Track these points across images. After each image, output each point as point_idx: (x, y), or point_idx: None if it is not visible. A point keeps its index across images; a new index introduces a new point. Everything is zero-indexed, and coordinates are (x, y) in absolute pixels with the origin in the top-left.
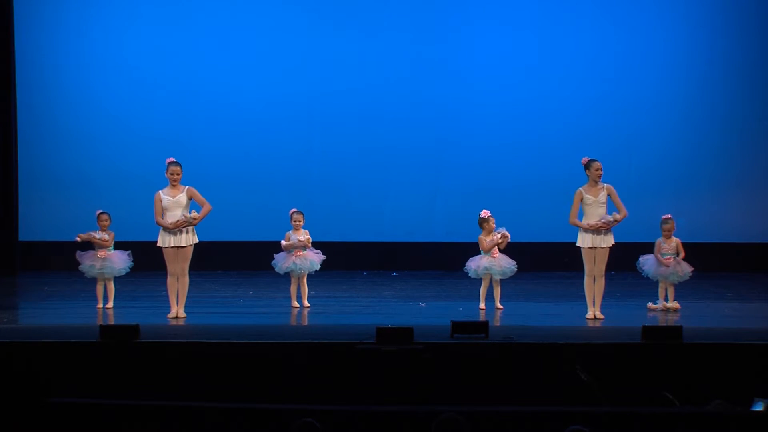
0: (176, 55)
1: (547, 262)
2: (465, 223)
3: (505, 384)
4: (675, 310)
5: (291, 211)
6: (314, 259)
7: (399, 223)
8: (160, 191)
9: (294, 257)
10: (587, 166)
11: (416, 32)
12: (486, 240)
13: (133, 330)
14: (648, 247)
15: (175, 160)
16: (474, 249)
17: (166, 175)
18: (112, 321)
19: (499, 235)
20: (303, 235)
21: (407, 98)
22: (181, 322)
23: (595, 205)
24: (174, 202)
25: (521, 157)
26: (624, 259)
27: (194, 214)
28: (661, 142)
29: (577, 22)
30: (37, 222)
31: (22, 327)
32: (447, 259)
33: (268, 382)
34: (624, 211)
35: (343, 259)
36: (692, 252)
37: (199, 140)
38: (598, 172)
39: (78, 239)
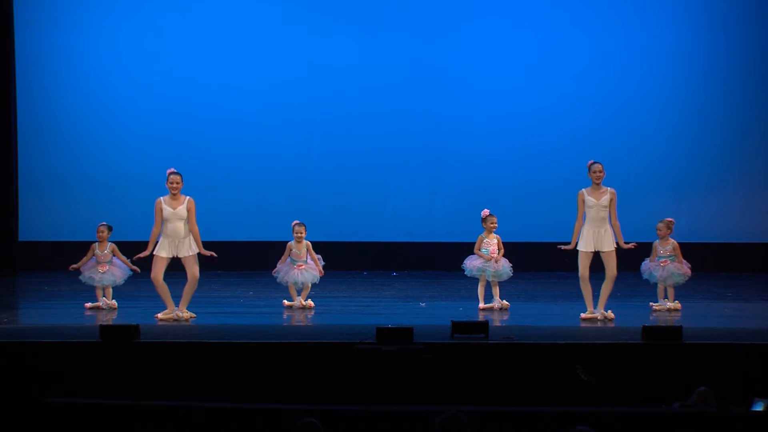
0: (176, 56)
1: (547, 262)
2: (465, 223)
3: (505, 384)
4: (676, 310)
5: (293, 223)
6: (315, 273)
7: (399, 223)
8: (161, 199)
9: (296, 270)
10: (588, 168)
11: (416, 32)
12: (479, 248)
13: (133, 330)
14: (648, 248)
15: (175, 170)
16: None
17: (166, 185)
18: (111, 321)
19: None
20: (304, 249)
21: (407, 98)
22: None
23: (596, 208)
24: (174, 214)
25: (521, 156)
26: (624, 259)
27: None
28: (662, 142)
29: (577, 22)
30: (37, 222)
31: (22, 327)
32: (447, 259)
33: (268, 382)
34: (615, 220)
35: (343, 259)
36: (692, 252)
37: (199, 140)
38: (596, 174)
39: (71, 269)
